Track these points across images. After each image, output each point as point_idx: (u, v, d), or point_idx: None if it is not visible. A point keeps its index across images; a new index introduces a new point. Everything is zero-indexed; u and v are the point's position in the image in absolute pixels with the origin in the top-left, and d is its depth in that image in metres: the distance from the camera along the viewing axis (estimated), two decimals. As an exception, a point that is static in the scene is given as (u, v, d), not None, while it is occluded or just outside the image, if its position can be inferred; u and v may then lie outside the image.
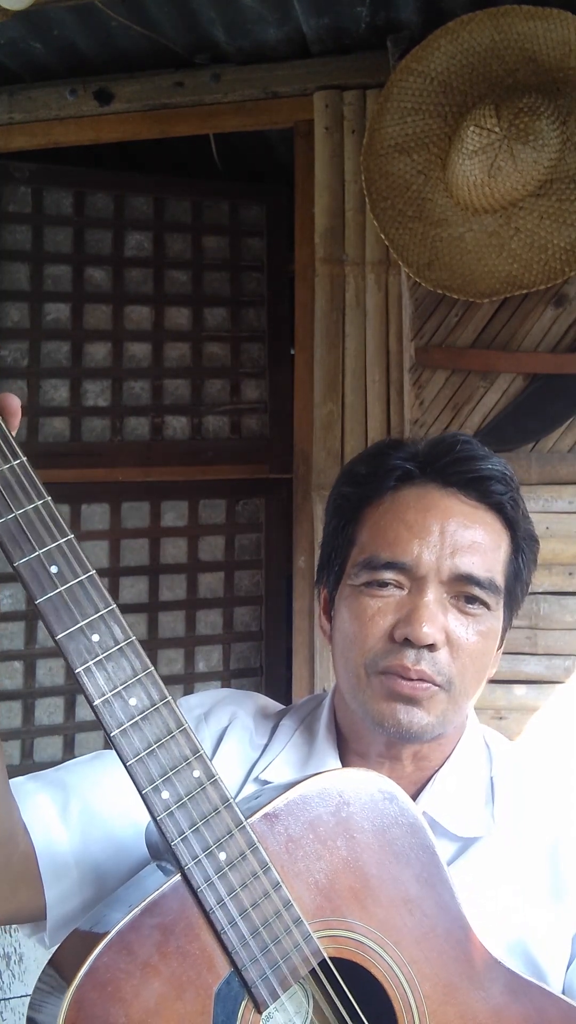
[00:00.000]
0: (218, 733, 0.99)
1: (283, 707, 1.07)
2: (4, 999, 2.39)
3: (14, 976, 2.42)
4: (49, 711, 2.86)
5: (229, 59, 2.32)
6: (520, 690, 2.10)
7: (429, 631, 0.86)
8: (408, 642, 0.87)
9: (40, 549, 0.72)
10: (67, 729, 2.88)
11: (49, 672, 2.87)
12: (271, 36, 2.22)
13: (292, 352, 2.62)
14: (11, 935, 2.44)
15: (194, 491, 3.00)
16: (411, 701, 0.88)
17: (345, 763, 0.97)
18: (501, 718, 2.09)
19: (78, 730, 2.90)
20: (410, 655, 0.87)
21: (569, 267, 1.97)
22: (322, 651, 2.23)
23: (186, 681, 2.96)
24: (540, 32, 1.94)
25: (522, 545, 0.96)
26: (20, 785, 0.90)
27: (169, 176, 3.03)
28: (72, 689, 2.88)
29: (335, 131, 2.28)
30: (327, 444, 2.26)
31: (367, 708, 0.90)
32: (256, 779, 0.96)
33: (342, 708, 0.98)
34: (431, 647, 0.87)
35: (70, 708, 2.88)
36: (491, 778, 0.97)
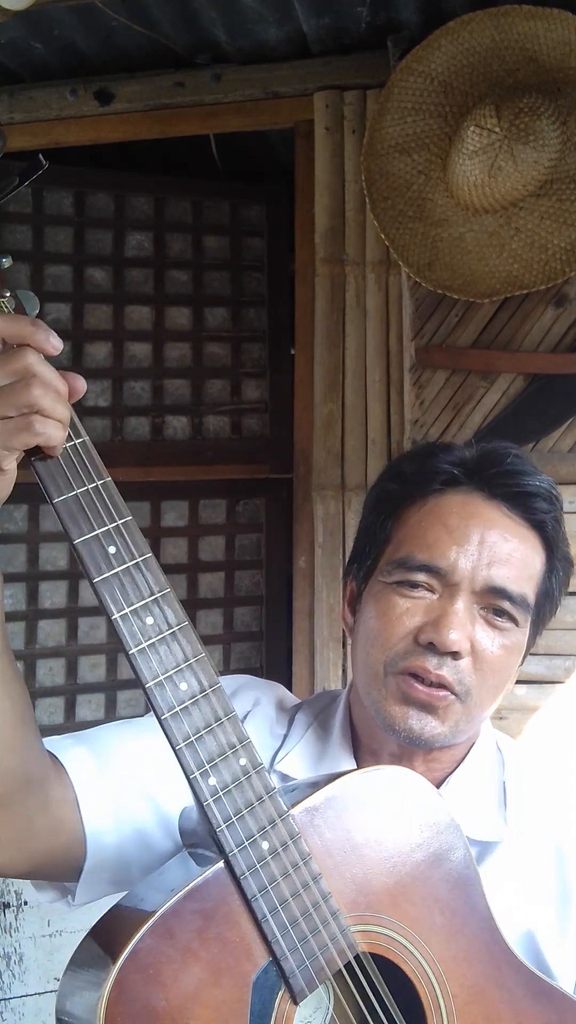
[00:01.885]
0: (240, 717, 0.99)
1: (299, 700, 1.07)
2: (4, 999, 2.39)
3: (14, 976, 2.41)
4: (49, 711, 2.86)
5: (229, 59, 2.32)
6: (520, 690, 2.10)
7: (456, 638, 0.86)
8: (432, 647, 0.87)
9: (99, 528, 0.73)
10: (67, 729, 2.86)
11: (49, 672, 2.87)
12: (271, 36, 2.22)
13: (292, 352, 2.62)
14: (11, 935, 2.44)
15: (194, 491, 3.00)
16: (426, 708, 0.88)
17: (358, 761, 0.97)
18: (501, 718, 2.09)
19: (78, 730, 2.89)
20: (432, 660, 0.87)
21: (569, 267, 1.97)
22: (322, 651, 2.23)
23: (186, 681, 2.96)
24: (540, 32, 1.94)
25: (557, 566, 0.95)
26: (57, 741, 0.90)
27: (169, 176, 3.03)
28: (72, 689, 2.88)
29: (335, 131, 2.28)
30: (327, 444, 2.26)
31: (379, 709, 0.90)
32: (273, 770, 0.96)
33: (357, 705, 0.98)
34: (455, 655, 0.87)
35: (70, 708, 2.88)
36: (503, 782, 0.98)
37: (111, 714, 2.91)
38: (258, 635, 3.08)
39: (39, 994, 2.38)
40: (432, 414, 2.19)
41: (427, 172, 2.05)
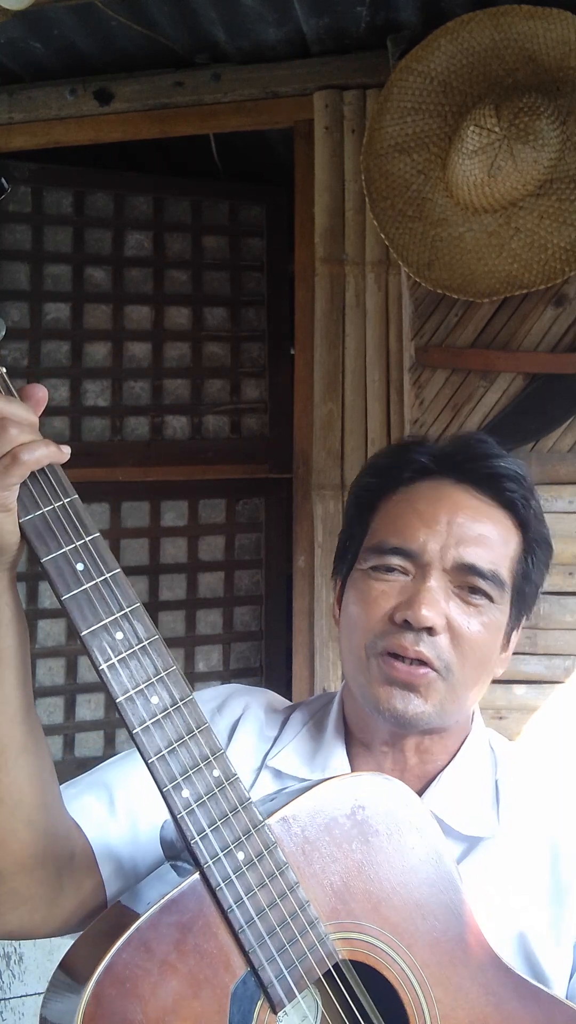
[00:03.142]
0: (231, 725, 1.00)
1: (292, 703, 1.08)
2: (4, 999, 2.39)
3: (14, 976, 2.41)
4: (49, 711, 2.86)
5: (229, 59, 2.32)
6: (520, 690, 2.10)
7: (428, 614, 0.88)
8: (407, 624, 0.88)
9: (66, 546, 0.73)
10: (67, 729, 2.88)
11: (49, 672, 2.87)
12: (271, 36, 2.22)
13: (292, 352, 2.62)
14: (11, 935, 2.43)
15: (194, 491, 3.00)
16: (408, 687, 0.89)
17: (351, 754, 0.98)
18: (501, 718, 2.09)
19: (78, 730, 2.90)
20: (409, 636, 0.88)
21: (569, 267, 1.97)
22: (322, 651, 2.23)
23: (186, 681, 2.96)
24: (540, 32, 1.94)
25: (533, 547, 0.97)
26: (62, 791, 0.91)
27: (169, 176, 3.03)
28: (72, 689, 2.88)
29: (335, 131, 2.27)
30: (327, 444, 2.26)
31: (365, 692, 0.91)
32: (266, 766, 0.97)
33: (349, 700, 1.00)
34: (430, 631, 0.88)
35: (70, 708, 2.88)
36: (496, 781, 0.98)
37: (111, 714, 2.91)
38: (258, 635, 3.08)
39: (39, 994, 2.38)
40: (432, 414, 2.19)
41: (427, 172, 2.05)
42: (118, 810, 0.90)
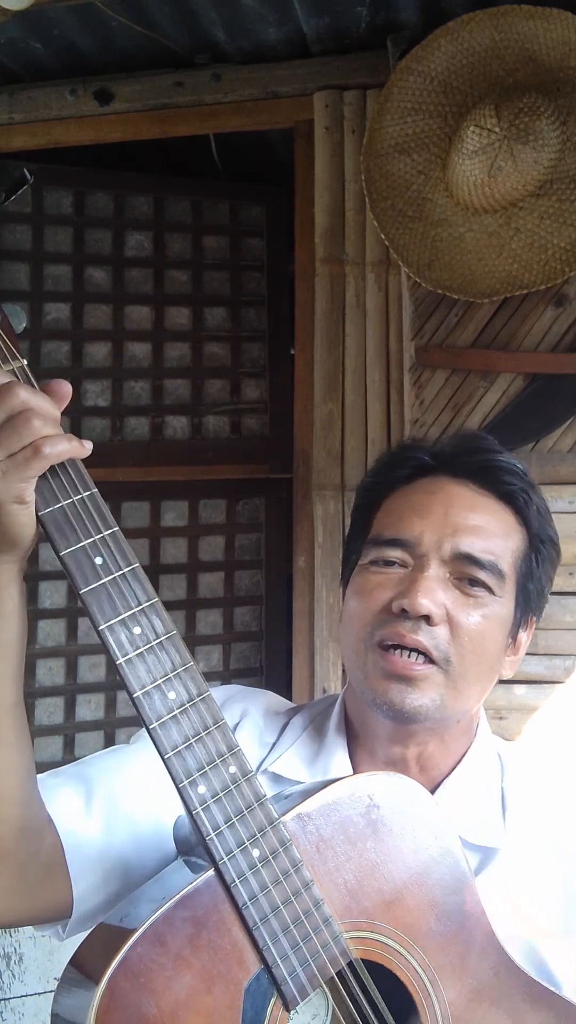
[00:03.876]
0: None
1: (293, 705, 1.07)
2: (4, 999, 2.39)
3: (14, 976, 2.41)
4: (49, 711, 2.86)
5: (229, 59, 2.32)
6: (520, 690, 2.10)
7: (425, 602, 0.87)
8: (405, 613, 0.88)
9: (85, 539, 0.73)
10: (67, 729, 2.88)
11: (49, 672, 2.87)
12: (271, 36, 2.22)
13: (292, 352, 2.62)
14: (11, 935, 2.43)
15: (194, 491, 3.00)
16: (405, 680, 0.87)
17: (354, 759, 0.97)
18: (501, 718, 2.08)
19: (78, 730, 2.89)
20: (407, 624, 0.88)
21: (569, 267, 1.97)
22: (322, 651, 2.23)
23: (186, 681, 2.96)
24: (540, 32, 1.94)
25: (538, 545, 0.96)
26: (41, 781, 0.90)
27: (169, 176, 3.03)
28: (72, 689, 2.88)
29: (335, 131, 2.27)
30: (327, 444, 2.26)
31: (364, 687, 0.91)
32: (265, 771, 0.95)
33: (352, 701, 0.98)
34: (428, 620, 0.87)
35: (70, 708, 2.88)
36: (502, 789, 0.96)
37: (111, 714, 2.91)
38: (258, 635, 3.08)
39: (39, 994, 2.38)
40: (432, 414, 2.19)
41: (427, 172, 2.05)
42: (94, 808, 0.89)
